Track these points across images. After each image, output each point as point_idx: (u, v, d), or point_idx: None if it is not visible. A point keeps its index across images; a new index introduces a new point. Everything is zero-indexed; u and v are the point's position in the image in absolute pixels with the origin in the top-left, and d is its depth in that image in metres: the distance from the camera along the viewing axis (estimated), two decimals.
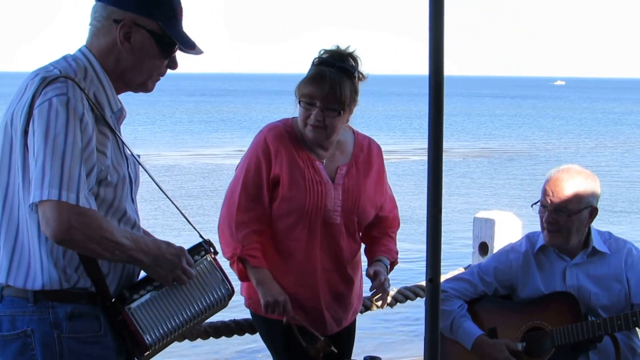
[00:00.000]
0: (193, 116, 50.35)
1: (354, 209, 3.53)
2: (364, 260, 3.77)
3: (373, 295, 3.57)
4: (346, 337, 3.72)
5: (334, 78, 3.37)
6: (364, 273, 3.77)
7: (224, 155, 27.00)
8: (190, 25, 2.75)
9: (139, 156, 2.81)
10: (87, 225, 2.42)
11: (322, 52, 3.47)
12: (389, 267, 3.65)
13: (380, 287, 3.54)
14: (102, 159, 2.53)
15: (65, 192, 2.38)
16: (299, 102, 3.44)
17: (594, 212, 3.65)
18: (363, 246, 3.73)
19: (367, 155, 3.60)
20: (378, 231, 3.68)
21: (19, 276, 2.54)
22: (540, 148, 32.44)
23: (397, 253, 3.69)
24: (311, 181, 3.46)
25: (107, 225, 2.49)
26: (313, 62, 3.47)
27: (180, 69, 2.82)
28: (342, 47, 3.47)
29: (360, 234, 3.66)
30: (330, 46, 3.48)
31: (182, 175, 22.42)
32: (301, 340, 3.45)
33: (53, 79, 2.50)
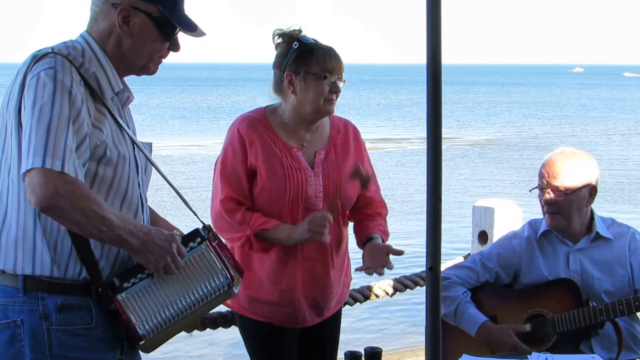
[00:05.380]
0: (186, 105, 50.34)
1: (337, 194, 3.51)
2: (351, 249, 3.74)
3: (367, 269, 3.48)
4: (328, 328, 3.67)
5: (334, 49, 3.47)
6: (352, 264, 3.73)
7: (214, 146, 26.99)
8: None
9: (150, 144, 2.79)
10: (73, 194, 2.37)
11: (282, 34, 3.48)
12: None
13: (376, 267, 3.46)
14: (97, 133, 2.51)
15: (50, 159, 2.35)
16: (320, 78, 3.40)
17: (593, 191, 3.66)
18: (352, 238, 3.70)
19: (344, 137, 3.59)
20: (370, 210, 3.65)
21: (8, 260, 2.53)
22: (525, 137, 32.43)
23: (388, 235, 3.65)
24: (290, 169, 3.44)
25: (94, 197, 2.44)
26: (293, 41, 3.45)
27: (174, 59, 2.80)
28: (287, 28, 3.50)
29: (345, 218, 3.62)
30: (278, 29, 3.49)
31: (170, 165, 22.39)
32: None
33: (43, 55, 2.51)
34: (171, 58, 2.80)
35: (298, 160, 3.47)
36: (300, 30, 3.48)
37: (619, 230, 3.70)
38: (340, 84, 3.46)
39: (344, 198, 3.54)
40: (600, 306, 3.50)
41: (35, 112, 2.40)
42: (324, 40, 3.51)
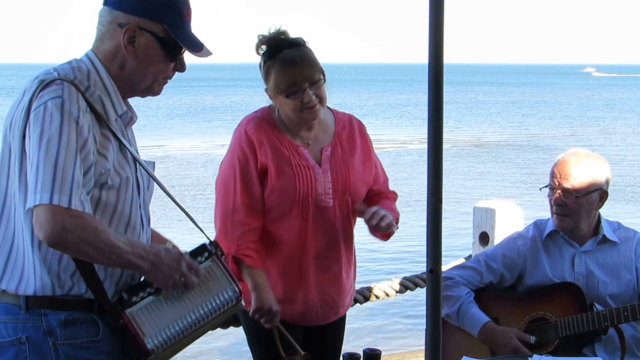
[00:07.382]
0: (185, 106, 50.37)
1: (346, 189, 3.48)
2: (358, 247, 3.72)
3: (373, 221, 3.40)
4: (332, 331, 3.65)
5: (300, 54, 3.36)
6: (357, 266, 3.72)
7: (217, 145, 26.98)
8: None
9: (153, 163, 2.79)
10: (81, 228, 2.38)
11: (264, 41, 3.40)
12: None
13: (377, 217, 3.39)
14: (102, 161, 2.51)
15: (57, 195, 2.35)
16: (285, 96, 3.36)
17: (603, 195, 3.63)
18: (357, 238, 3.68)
19: (349, 132, 3.57)
20: (380, 196, 3.61)
21: (12, 280, 2.52)
22: (526, 137, 32.43)
23: (398, 214, 3.57)
24: (298, 167, 3.42)
25: (102, 228, 2.45)
26: (265, 55, 3.40)
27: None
28: (269, 31, 3.42)
29: (355, 215, 3.57)
30: (260, 35, 3.42)
31: (165, 164, 22.37)
32: (281, 350, 3.40)
33: (50, 82, 2.49)
34: None
35: (305, 158, 3.46)
36: (268, 39, 3.39)
37: (626, 234, 3.68)
38: (312, 90, 3.36)
39: (353, 194, 3.51)
40: (604, 311, 3.48)
41: (42, 144, 2.39)
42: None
